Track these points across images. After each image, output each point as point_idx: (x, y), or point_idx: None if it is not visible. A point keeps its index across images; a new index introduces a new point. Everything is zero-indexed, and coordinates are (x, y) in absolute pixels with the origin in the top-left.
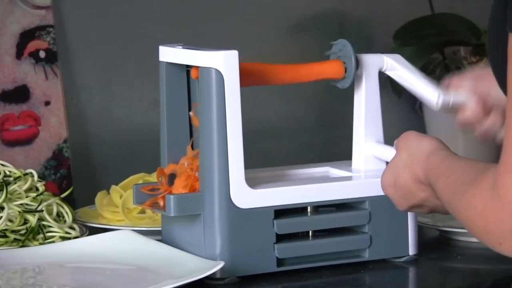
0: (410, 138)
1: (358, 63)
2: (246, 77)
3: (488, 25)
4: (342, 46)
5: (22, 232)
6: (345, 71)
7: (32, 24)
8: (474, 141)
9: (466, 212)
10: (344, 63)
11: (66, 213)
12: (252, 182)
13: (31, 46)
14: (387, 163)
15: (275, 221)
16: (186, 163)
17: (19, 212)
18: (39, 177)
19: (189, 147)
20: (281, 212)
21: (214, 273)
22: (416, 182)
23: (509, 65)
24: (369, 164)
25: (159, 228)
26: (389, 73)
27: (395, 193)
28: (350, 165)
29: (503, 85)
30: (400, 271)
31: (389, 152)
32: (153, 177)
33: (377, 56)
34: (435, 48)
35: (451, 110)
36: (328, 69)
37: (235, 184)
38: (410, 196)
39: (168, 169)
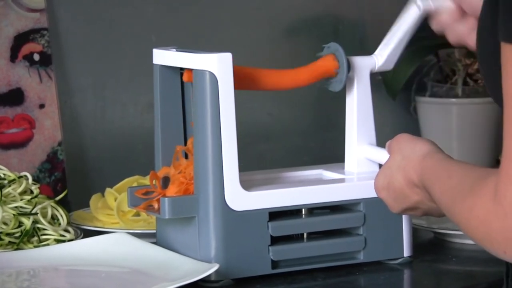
0: (403, 141)
1: (349, 66)
2: (240, 81)
3: (478, 32)
4: (334, 50)
5: (17, 235)
6: (338, 68)
7: (26, 27)
8: (468, 144)
9: (468, 221)
10: (335, 56)
11: (61, 216)
12: (247, 184)
13: (26, 49)
14: (379, 165)
15: (269, 223)
16: (178, 170)
17: (13, 215)
18: (33, 180)
19: (179, 153)
20: (276, 214)
21: (209, 276)
22: (409, 185)
23: (504, 75)
24: (362, 166)
25: (154, 231)
26: (382, 60)
27: (389, 196)
28: (343, 168)
29: (493, 92)
30: (395, 273)
31: (381, 154)
32: (147, 180)
33: (367, 57)
34: (429, 51)
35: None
36: (322, 65)
37: (230, 186)
38: (404, 199)
39: (162, 172)
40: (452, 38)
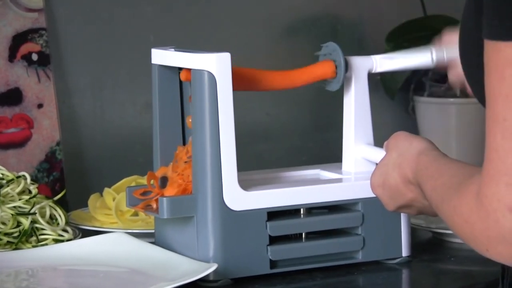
0: (400, 138)
1: (347, 66)
2: (238, 82)
3: (460, 32)
4: (332, 49)
5: (15, 235)
6: (336, 73)
7: (24, 26)
8: (467, 144)
9: (453, 218)
10: (335, 62)
11: (59, 215)
12: (245, 184)
13: (24, 48)
14: (377, 165)
15: (268, 223)
16: (176, 173)
17: (12, 214)
18: (32, 179)
19: (182, 152)
20: (274, 214)
21: (207, 276)
22: (404, 182)
23: (487, 74)
24: (359, 166)
25: (152, 231)
26: (380, 69)
27: (384, 193)
28: (340, 168)
29: (477, 93)
30: (393, 272)
31: (379, 154)
32: (146, 180)
33: (365, 57)
34: None
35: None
36: (319, 70)
37: (228, 186)
38: (399, 196)
39: (159, 172)
40: (470, 92)
